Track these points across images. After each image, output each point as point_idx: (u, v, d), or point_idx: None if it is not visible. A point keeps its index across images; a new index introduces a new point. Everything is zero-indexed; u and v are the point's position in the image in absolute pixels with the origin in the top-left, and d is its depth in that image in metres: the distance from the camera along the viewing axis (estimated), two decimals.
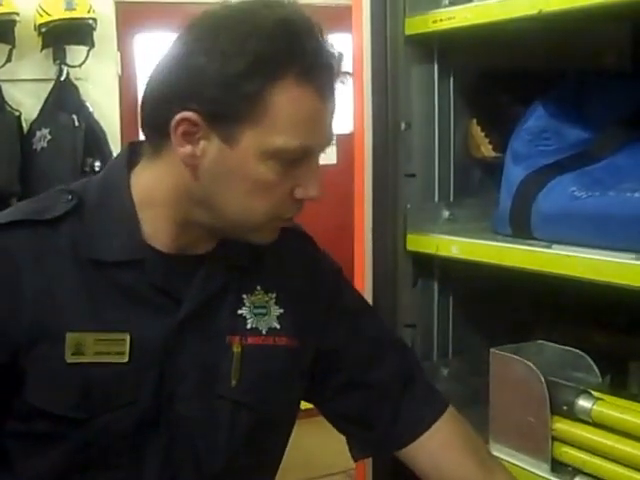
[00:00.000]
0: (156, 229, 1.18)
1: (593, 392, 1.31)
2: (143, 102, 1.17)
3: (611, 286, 1.21)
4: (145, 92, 1.16)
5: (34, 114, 3.77)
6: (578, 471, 1.30)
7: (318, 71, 1.10)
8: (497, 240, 1.42)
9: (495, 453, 1.40)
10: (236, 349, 1.21)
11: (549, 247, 1.32)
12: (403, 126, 1.55)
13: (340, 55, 1.14)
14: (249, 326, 1.22)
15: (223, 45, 1.08)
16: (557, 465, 1.32)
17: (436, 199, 1.61)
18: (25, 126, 3.77)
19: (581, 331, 1.56)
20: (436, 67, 1.57)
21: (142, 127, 1.19)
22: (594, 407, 1.28)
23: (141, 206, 1.18)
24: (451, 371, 1.67)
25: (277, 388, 1.26)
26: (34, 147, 3.72)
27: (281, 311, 1.25)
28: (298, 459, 3.73)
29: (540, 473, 1.33)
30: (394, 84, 1.54)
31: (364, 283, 1.63)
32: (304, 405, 4.52)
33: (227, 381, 1.20)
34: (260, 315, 1.23)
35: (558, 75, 1.51)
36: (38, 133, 3.71)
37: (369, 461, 1.68)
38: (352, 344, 1.32)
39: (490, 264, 1.41)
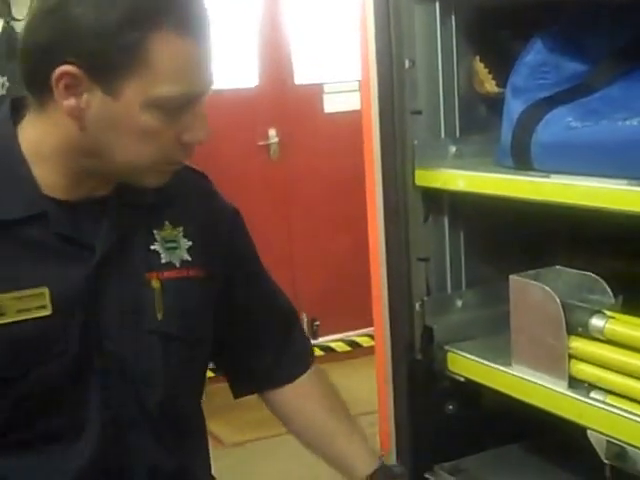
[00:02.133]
0: (52, 181, 1.22)
1: (606, 312, 1.40)
2: (21, 60, 1.19)
3: (607, 212, 1.30)
4: (22, 46, 1.19)
5: None
6: (593, 386, 1.41)
7: (194, 19, 1.15)
8: (499, 172, 1.50)
9: (517, 373, 1.51)
10: (155, 285, 1.27)
11: (547, 177, 1.41)
12: (407, 64, 1.62)
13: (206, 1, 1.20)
14: (163, 261, 1.29)
15: None
16: (574, 381, 1.42)
17: (442, 135, 1.68)
18: None
19: (596, 258, 1.64)
20: (438, 5, 1.63)
21: (23, 82, 1.22)
22: (606, 325, 1.38)
23: (33, 160, 1.22)
24: (465, 302, 1.75)
25: (198, 317, 1.34)
26: None
27: (190, 243, 1.32)
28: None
29: (558, 389, 1.43)
30: (397, 23, 1.61)
31: (376, 220, 1.72)
32: (341, 348, 4.69)
33: (153, 316, 1.27)
34: (172, 249, 1.30)
35: (558, 10, 1.57)
36: None
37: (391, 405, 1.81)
38: (244, 283, 1.44)
39: (494, 195, 1.50)
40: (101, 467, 1.26)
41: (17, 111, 1.26)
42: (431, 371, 1.70)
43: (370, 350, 1.91)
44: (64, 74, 1.13)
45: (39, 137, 1.22)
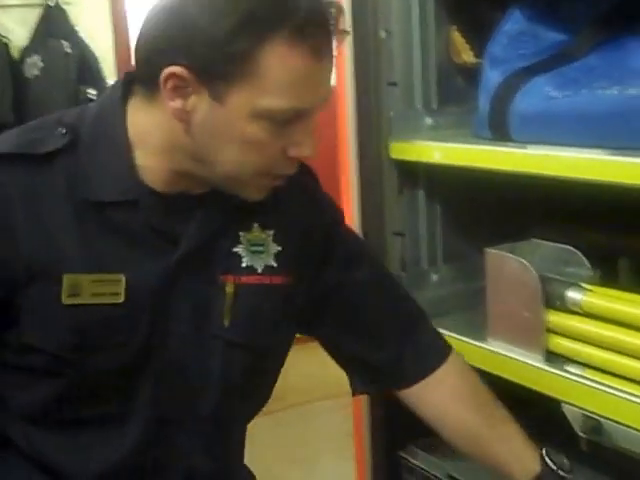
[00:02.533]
0: (152, 171, 1.20)
1: (583, 285, 1.40)
2: (135, 50, 1.18)
3: (586, 183, 1.29)
4: (137, 40, 1.17)
5: (23, 41, 3.82)
6: (570, 360, 1.41)
7: (312, 30, 1.08)
8: (476, 144, 1.49)
9: (492, 348, 1.51)
10: (229, 289, 1.24)
11: (525, 148, 1.40)
12: (383, 34, 1.61)
13: (338, 10, 1.12)
14: (244, 264, 1.25)
15: (216, 1, 1.07)
16: (551, 355, 1.42)
17: (418, 107, 1.67)
18: (15, 54, 3.81)
19: (574, 231, 1.64)
20: None
21: (136, 71, 1.20)
22: (584, 298, 1.38)
23: (138, 146, 1.19)
24: (441, 277, 1.75)
25: (270, 327, 1.30)
26: (26, 75, 3.77)
27: (279, 249, 1.28)
28: (309, 380, 3.87)
29: (535, 364, 1.43)
30: None
31: (350, 194, 1.71)
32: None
33: (220, 321, 1.24)
34: (257, 253, 1.26)
35: None
36: (28, 60, 3.76)
37: None
38: (349, 284, 1.37)
39: (470, 167, 1.49)
40: (139, 462, 1.25)
41: (131, 88, 1.22)
42: None
43: None
44: (172, 75, 1.10)
45: (148, 127, 1.19)
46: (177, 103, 1.13)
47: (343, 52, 1.65)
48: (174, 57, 1.10)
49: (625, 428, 1.29)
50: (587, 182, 1.29)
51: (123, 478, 1.25)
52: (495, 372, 1.51)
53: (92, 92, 3.79)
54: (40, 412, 1.24)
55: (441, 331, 1.61)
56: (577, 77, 1.39)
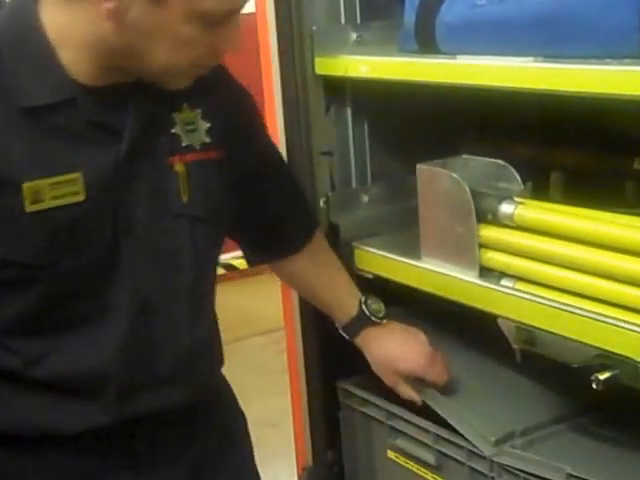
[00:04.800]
0: (80, 68, 1.26)
1: (515, 198, 1.46)
2: None
3: (514, 91, 1.34)
4: None
5: None
6: (503, 274, 1.47)
7: None
8: (404, 56, 1.53)
9: (426, 266, 1.57)
10: (179, 168, 1.34)
11: (453, 58, 1.44)
12: None
13: None
14: (184, 144, 1.35)
15: None
16: (484, 270, 1.48)
17: (343, 21, 1.70)
18: None
19: (506, 147, 1.69)
20: None
21: None
22: (516, 211, 1.43)
23: (60, 45, 1.25)
24: (371, 197, 1.79)
25: (221, 199, 1.41)
26: None
27: (208, 125, 1.38)
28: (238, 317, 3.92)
29: (469, 279, 1.49)
30: None
31: (275, 114, 1.73)
32: (243, 265, 4.62)
33: (178, 199, 1.34)
34: (191, 132, 1.36)
35: None
36: None
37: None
38: (259, 160, 1.51)
39: (398, 81, 1.53)
40: (129, 352, 1.33)
41: None
42: None
43: None
44: None
45: (71, 25, 1.24)
46: (110, 4, 1.17)
47: None
48: None
49: (557, 337, 1.36)
50: (516, 90, 1.33)
51: (114, 377, 1.33)
52: (430, 290, 1.57)
53: None
54: (19, 321, 1.30)
55: (374, 252, 1.68)
56: None
